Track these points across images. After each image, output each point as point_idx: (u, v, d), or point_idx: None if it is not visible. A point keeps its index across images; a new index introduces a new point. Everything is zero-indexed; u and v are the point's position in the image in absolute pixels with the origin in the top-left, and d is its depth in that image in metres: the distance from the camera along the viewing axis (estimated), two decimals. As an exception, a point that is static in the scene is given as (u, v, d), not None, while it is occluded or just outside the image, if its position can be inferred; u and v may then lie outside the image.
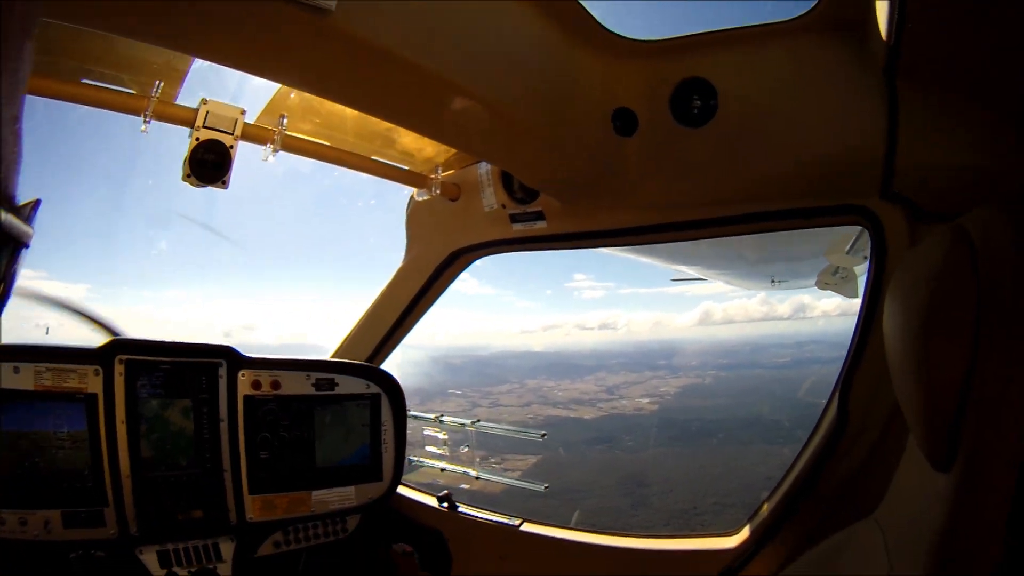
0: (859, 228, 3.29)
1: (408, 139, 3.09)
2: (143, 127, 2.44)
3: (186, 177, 2.50)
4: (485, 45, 2.09)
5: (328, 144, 2.96)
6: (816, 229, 3.01)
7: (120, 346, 2.78)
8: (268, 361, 3.14)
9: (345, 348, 3.85)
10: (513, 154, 2.65)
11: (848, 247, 3.79)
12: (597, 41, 2.45)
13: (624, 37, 2.46)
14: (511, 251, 3.42)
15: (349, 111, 2.84)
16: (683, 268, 6.19)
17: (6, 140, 0.95)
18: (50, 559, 2.60)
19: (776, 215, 2.64)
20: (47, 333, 3.29)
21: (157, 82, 2.45)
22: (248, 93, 2.69)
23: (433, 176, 3.26)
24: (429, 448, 4.31)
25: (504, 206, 3.13)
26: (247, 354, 3.10)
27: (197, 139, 2.50)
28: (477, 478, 4.18)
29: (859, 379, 2.58)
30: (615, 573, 3.23)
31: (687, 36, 2.46)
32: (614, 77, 2.52)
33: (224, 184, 2.55)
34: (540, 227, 3.06)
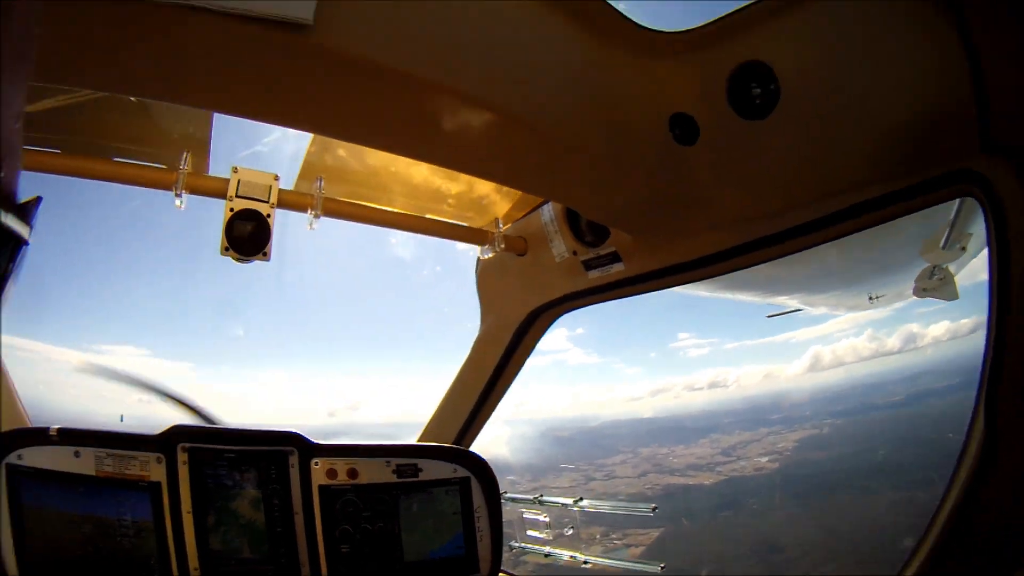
0: (950, 223, 3.03)
1: (461, 191, 2.89)
2: (177, 202, 2.40)
3: (224, 251, 2.41)
4: (509, 54, 1.87)
5: (373, 206, 2.80)
6: (905, 231, 2.82)
7: (182, 434, 2.62)
8: (343, 448, 2.89)
9: (431, 430, 3.56)
10: (569, 184, 2.35)
11: (943, 241, 3.39)
12: (635, 42, 2.16)
13: (661, 31, 2.16)
14: (592, 302, 3.06)
15: (389, 168, 2.70)
16: (780, 298, 5.78)
17: (7, 139, 0.97)
18: None
19: (870, 205, 2.17)
20: (122, 420, 3.35)
21: (184, 153, 2.40)
22: (284, 162, 2.61)
23: (494, 230, 2.99)
24: (530, 533, 3.93)
25: (576, 253, 2.82)
26: (320, 441, 2.85)
27: (232, 209, 2.41)
28: (585, 563, 3.78)
29: (1008, 385, 2.01)
30: None
31: (729, 15, 2.10)
32: (662, 80, 2.21)
33: (266, 256, 2.44)
34: (618, 270, 2.74)
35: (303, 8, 1.42)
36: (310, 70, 1.61)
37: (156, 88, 1.79)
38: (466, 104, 1.77)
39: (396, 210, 2.84)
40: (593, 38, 2.07)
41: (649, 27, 2.13)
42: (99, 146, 2.47)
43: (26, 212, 1.05)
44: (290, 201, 2.55)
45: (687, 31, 2.14)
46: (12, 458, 2.41)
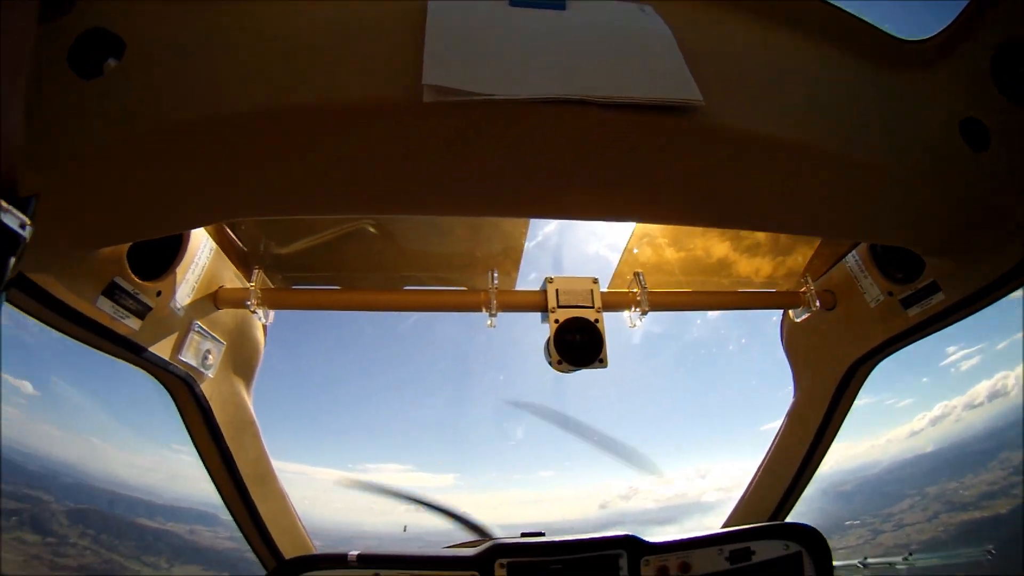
0: None
1: (766, 258, 2.82)
2: (489, 322, 2.41)
3: (557, 364, 2.33)
4: (828, 98, 1.77)
5: (692, 291, 2.75)
6: None
7: (501, 550, 2.56)
8: (675, 543, 2.72)
9: (744, 507, 3.38)
10: (881, 220, 2.14)
11: None
12: (904, 56, 2.00)
13: (923, 39, 1.99)
14: (912, 342, 2.75)
15: (701, 250, 2.69)
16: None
17: (7, 135, 1.00)
18: None
19: None
20: (404, 531, 3.49)
21: (491, 272, 2.45)
22: (574, 259, 2.57)
23: (805, 288, 2.80)
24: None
25: (891, 293, 2.60)
26: (652, 540, 2.69)
27: (556, 321, 2.37)
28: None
29: None
30: None
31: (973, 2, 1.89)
32: (939, 88, 2.03)
33: (603, 363, 2.34)
34: (939, 300, 2.47)
35: (690, 90, 1.37)
36: (697, 153, 1.53)
37: (513, 205, 1.75)
38: (811, 159, 1.68)
39: (713, 291, 2.80)
40: (870, 64, 1.97)
41: (904, 38, 2.00)
42: (387, 277, 2.59)
43: (25, 208, 1.09)
44: (614, 302, 2.51)
45: (943, 31, 2.00)
46: None
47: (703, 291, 2.78)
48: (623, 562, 2.59)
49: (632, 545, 2.62)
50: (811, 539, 2.85)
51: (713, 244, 2.73)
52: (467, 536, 3.52)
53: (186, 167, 1.42)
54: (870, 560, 3.75)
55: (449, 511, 3.53)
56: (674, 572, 2.65)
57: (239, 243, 2.46)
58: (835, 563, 3.08)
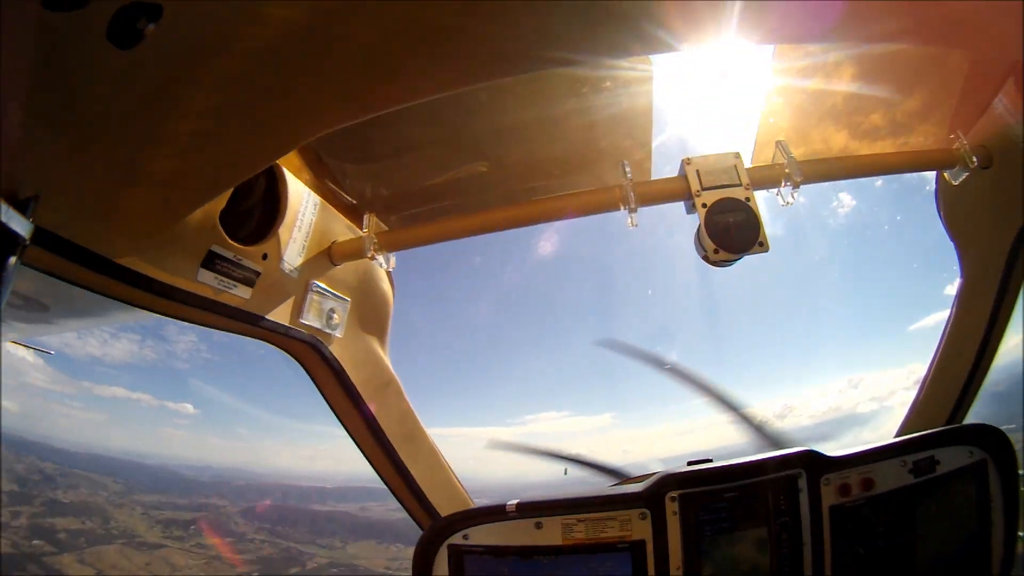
0: None
1: (887, 139, 2.51)
2: (630, 220, 2.22)
3: (713, 254, 2.11)
4: None
5: (840, 156, 2.48)
6: None
7: (671, 482, 2.41)
8: (855, 457, 2.48)
9: (919, 412, 3.07)
10: None
11: None
12: None
13: None
14: None
15: (820, 141, 2.45)
16: None
17: (7, 136, 1.01)
18: None
19: None
20: (566, 474, 3.43)
21: (622, 164, 2.27)
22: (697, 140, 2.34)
23: (957, 144, 2.38)
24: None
25: None
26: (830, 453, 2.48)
27: (704, 205, 2.15)
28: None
29: None
30: None
31: None
32: None
33: (763, 246, 2.11)
34: None
35: None
36: None
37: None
38: None
39: (864, 153, 2.51)
40: None
41: None
42: (508, 192, 2.50)
43: (26, 209, 1.08)
44: (763, 177, 2.25)
45: None
46: (456, 539, 2.40)
47: (854, 155, 2.49)
48: (802, 483, 2.40)
49: (811, 462, 2.43)
50: (997, 443, 2.54)
51: (830, 134, 2.47)
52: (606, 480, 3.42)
53: (245, 98, 1.34)
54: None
55: (584, 460, 3.49)
56: (856, 491, 2.43)
57: (345, 195, 2.37)
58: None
